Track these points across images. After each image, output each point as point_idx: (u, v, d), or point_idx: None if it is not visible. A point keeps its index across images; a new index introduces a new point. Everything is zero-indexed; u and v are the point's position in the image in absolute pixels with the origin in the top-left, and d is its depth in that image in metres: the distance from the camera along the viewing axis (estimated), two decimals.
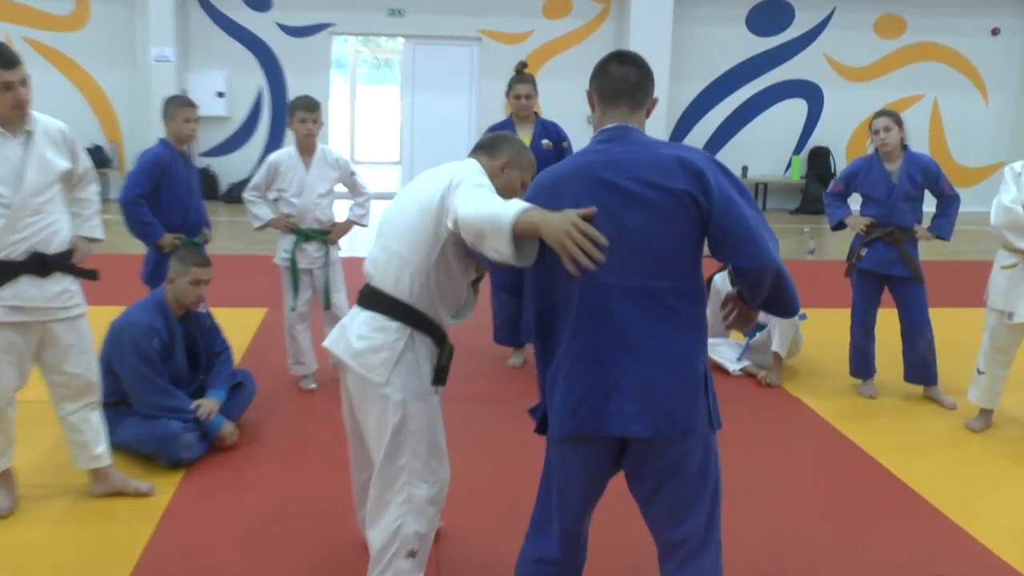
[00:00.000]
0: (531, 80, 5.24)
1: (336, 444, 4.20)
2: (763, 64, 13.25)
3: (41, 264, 3.25)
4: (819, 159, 13.35)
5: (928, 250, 5.58)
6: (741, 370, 5.39)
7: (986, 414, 4.65)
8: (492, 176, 2.67)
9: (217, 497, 3.69)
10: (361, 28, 13.43)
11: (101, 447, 3.56)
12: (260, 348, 5.53)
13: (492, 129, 5.40)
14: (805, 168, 13.40)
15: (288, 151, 4.82)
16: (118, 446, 3.77)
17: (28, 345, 3.33)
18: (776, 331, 5.22)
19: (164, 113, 4.61)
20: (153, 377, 3.90)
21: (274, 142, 12.46)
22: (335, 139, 12.83)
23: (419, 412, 2.66)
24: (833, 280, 6.13)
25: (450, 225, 2.46)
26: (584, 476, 2.35)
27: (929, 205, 4.92)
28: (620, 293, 2.19)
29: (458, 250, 2.60)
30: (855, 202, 5.07)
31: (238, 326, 4.27)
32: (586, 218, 2.13)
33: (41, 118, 3.29)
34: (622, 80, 2.35)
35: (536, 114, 5.37)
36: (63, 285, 3.33)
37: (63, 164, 3.33)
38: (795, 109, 13.38)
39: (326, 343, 2.82)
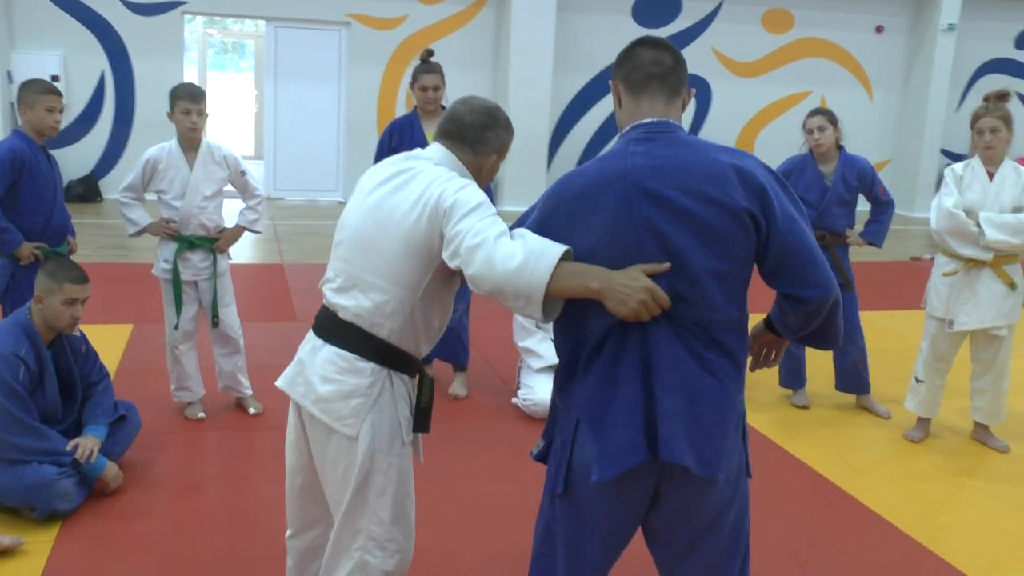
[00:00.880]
0: (439, 70, 5.04)
1: (235, 482, 3.94)
2: None
3: None
4: None
5: None
6: None
7: (924, 423, 4.78)
8: (479, 172, 2.40)
9: (102, 553, 3.34)
10: (216, 8, 12.82)
11: None
12: (131, 372, 5.11)
13: (394, 126, 5.19)
14: None
15: (168, 147, 4.41)
16: None
17: None
18: None
19: (20, 100, 4.16)
20: (20, 415, 3.49)
21: (119, 133, 11.77)
22: None
23: (387, 468, 2.36)
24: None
25: (453, 266, 2.19)
26: (609, 526, 2.16)
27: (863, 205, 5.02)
28: (665, 326, 2.02)
29: (444, 272, 2.32)
30: None
31: (100, 347, 3.88)
32: (655, 274, 1.98)
33: None
34: (654, 63, 2.11)
35: (443, 108, 5.17)
36: None
37: None
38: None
39: (280, 382, 2.48)
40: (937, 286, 4.58)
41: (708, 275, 2.01)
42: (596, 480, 2.07)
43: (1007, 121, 4.47)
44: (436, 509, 3.72)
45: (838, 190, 4.93)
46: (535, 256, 2.02)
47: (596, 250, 2.05)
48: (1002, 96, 4.55)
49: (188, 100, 4.30)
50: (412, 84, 5.08)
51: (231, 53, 25.23)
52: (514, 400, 4.97)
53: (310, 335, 2.44)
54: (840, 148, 5.01)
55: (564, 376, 2.22)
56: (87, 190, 11.47)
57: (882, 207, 5.05)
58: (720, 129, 13.71)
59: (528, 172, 12.30)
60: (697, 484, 2.05)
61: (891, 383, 5.27)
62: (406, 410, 2.40)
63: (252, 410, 4.67)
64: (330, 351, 2.35)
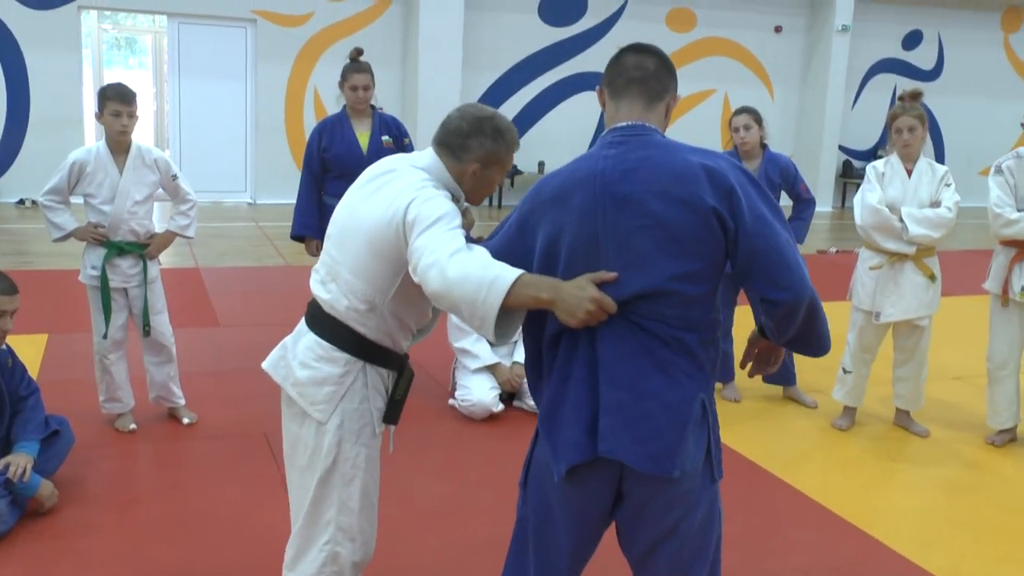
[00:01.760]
0: (368, 69, 4.97)
1: (175, 493, 3.82)
2: (557, 55, 13.58)
3: None
4: None
5: None
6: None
7: (851, 412, 4.94)
8: (460, 180, 2.39)
9: (43, 575, 3.19)
10: (117, 3, 12.41)
11: None
12: (53, 384, 4.87)
13: (323, 126, 5.10)
14: None
15: (96, 149, 4.22)
16: None
17: None
18: None
19: None
20: None
21: (13, 132, 11.30)
22: (79, 131, 11.73)
23: (354, 457, 2.43)
24: None
25: (416, 280, 2.19)
26: (574, 522, 2.17)
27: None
28: (619, 324, 2.03)
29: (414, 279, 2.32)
30: None
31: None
32: (602, 282, 2.01)
33: None
34: (635, 67, 2.13)
35: (373, 107, 5.12)
36: None
37: None
38: (590, 102, 13.76)
39: (265, 364, 2.53)
40: (863, 279, 4.75)
41: (670, 275, 2.00)
42: (556, 479, 2.11)
43: (922, 120, 4.65)
44: (380, 513, 3.67)
45: None
46: (488, 281, 2.03)
47: (570, 250, 2.07)
48: (915, 96, 4.74)
49: (119, 102, 4.11)
50: (341, 83, 5.00)
51: (123, 49, 24.33)
52: (451, 401, 4.94)
53: (301, 321, 2.50)
54: (764, 146, 5.13)
55: (532, 376, 2.28)
56: None
57: (804, 204, 5.20)
58: None
59: None
60: (656, 484, 2.04)
61: (816, 373, 5.43)
62: (380, 402, 2.45)
63: (186, 420, 4.53)
64: (311, 338, 2.43)
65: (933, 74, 15.70)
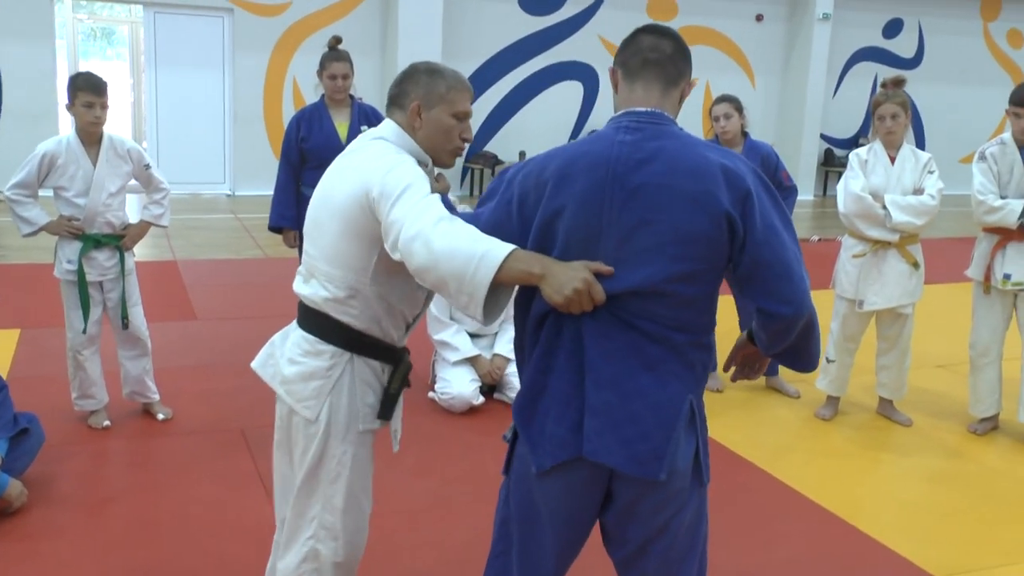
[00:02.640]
0: (347, 58, 4.89)
1: (148, 493, 3.75)
2: (537, 44, 13.49)
3: None
4: None
5: None
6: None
7: (834, 401, 4.92)
8: (413, 131, 2.31)
9: None
10: None
11: None
12: (25, 381, 4.78)
13: (301, 115, 5.02)
14: None
15: (66, 140, 4.10)
16: None
17: None
18: None
19: None
20: None
21: None
22: (53, 123, 11.57)
23: (341, 455, 2.33)
24: None
25: (395, 258, 2.09)
26: (565, 519, 2.09)
27: None
28: (608, 319, 1.96)
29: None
30: None
31: None
32: (599, 274, 1.92)
33: None
34: (652, 48, 2.03)
35: (352, 97, 5.03)
36: None
37: None
38: (571, 92, 13.74)
39: (254, 364, 2.46)
40: (846, 268, 4.71)
41: (668, 275, 1.93)
42: (535, 471, 2.05)
43: (905, 107, 4.62)
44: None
45: None
46: (478, 255, 1.93)
47: (567, 234, 1.98)
48: (898, 82, 4.70)
49: (91, 92, 3.99)
50: (320, 72, 4.92)
51: (100, 39, 24.03)
52: (430, 394, 4.88)
53: (293, 322, 2.43)
54: (745, 135, 5.09)
55: (519, 357, 2.21)
56: None
57: (785, 192, 5.15)
58: (608, 115, 13.74)
59: None
60: (645, 485, 1.99)
61: None
62: (370, 397, 2.35)
63: (160, 416, 4.45)
64: (298, 334, 2.36)
65: (914, 62, 15.71)
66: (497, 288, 1.97)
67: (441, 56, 12.36)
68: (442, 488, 3.93)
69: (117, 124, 16.33)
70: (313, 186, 4.84)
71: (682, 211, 1.91)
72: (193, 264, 7.93)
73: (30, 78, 11.19)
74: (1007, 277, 4.50)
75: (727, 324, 4.70)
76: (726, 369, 2.30)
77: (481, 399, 4.76)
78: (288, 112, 11.62)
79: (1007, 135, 4.53)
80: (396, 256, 2.07)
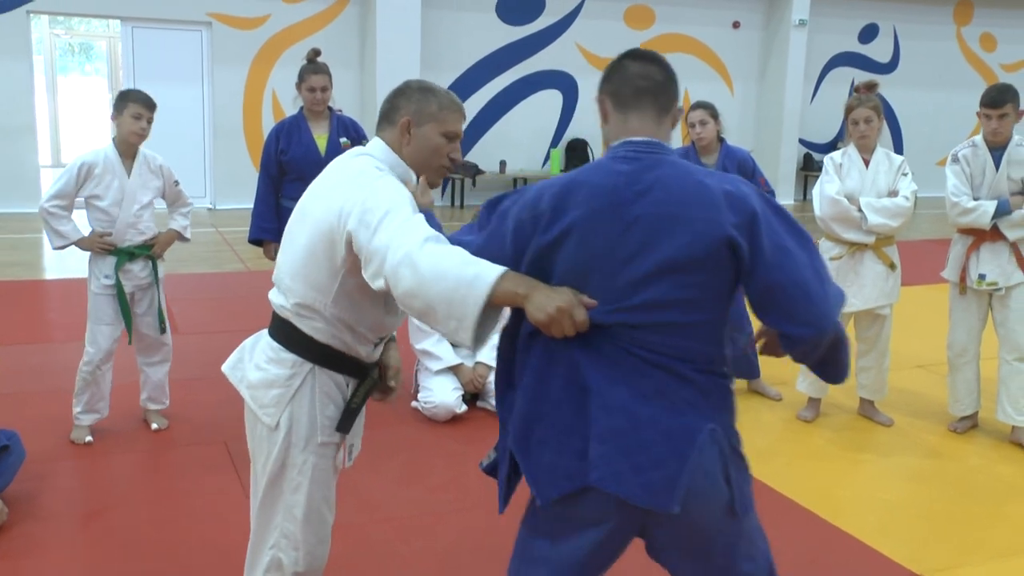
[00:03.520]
0: (326, 70, 4.90)
1: (133, 507, 3.73)
2: (516, 54, 13.53)
3: None
4: (577, 151, 13.84)
5: None
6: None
7: (815, 403, 4.95)
8: (399, 148, 2.30)
9: None
10: (67, 7, 12.19)
11: None
12: (3, 398, 4.77)
13: (280, 128, 5.03)
14: (564, 161, 13.83)
15: (104, 152, 4.24)
16: None
17: None
18: None
19: None
20: None
21: None
22: (32, 139, 11.51)
23: (301, 464, 2.33)
24: None
25: (376, 287, 2.03)
26: (578, 552, 2.00)
27: None
28: (609, 347, 1.91)
29: (360, 280, 2.15)
30: None
31: None
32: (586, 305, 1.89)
33: None
34: (643, 76, 2.01)
35: (331, 109, 5.04)
36: None
37: None
38: (550, 100, 13.78)
39: (224, 367, 2.46)
40: None
41: (661, 300, 1.89)
42: (539, 504, 1.99)
43: (878, 111, 4.67)
44: (346, 519, 3.62)
45: None
46: (468, 279, 1.88)
47: (564, 264, 1.95)
48: (871, 86, 4.76)
49: (142, 105, 4.20)
50: (299, 85, 4.93)
51: (78, 55, 23.95)
52: (413, 404, 4.88)
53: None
54: (721, 140, 5.13)
55: (501, 384, 2.13)
56: None
57: None
58: (588, 124, 13.90)
59: None
60: (665, 519, 1.91)
61: (779, 366, 5.37)
62: (331, 409, 2.34)
63: (155, 426, 4.49)
64: (266, 341, 2.37)
65: (889, 67, 15.84)
66: (486, 313, 1.90)
67: (420, 68, 12.40)
68: (426, 497, 3.93)
69: (96, 139, 16.29)
70: (293, 198, 4.91)
71: (680, 239, 1.88)
72: (175, 278, 7.84)
73: (8, 94, 11.13)
74: (982, 277, 4.56)
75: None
76: (756, 341, 2.22)
77: (464, 407, 4.77)
78: (268, 125, 11.59)
79: (979, 137, 4.59)
80: (378, 284, 2.02)
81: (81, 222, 4.27)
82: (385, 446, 4.41)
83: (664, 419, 1.89)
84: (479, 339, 1.93)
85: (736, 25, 14.57)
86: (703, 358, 1.94)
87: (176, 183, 4.47)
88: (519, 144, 13.46)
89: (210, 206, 12.29)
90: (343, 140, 4.94)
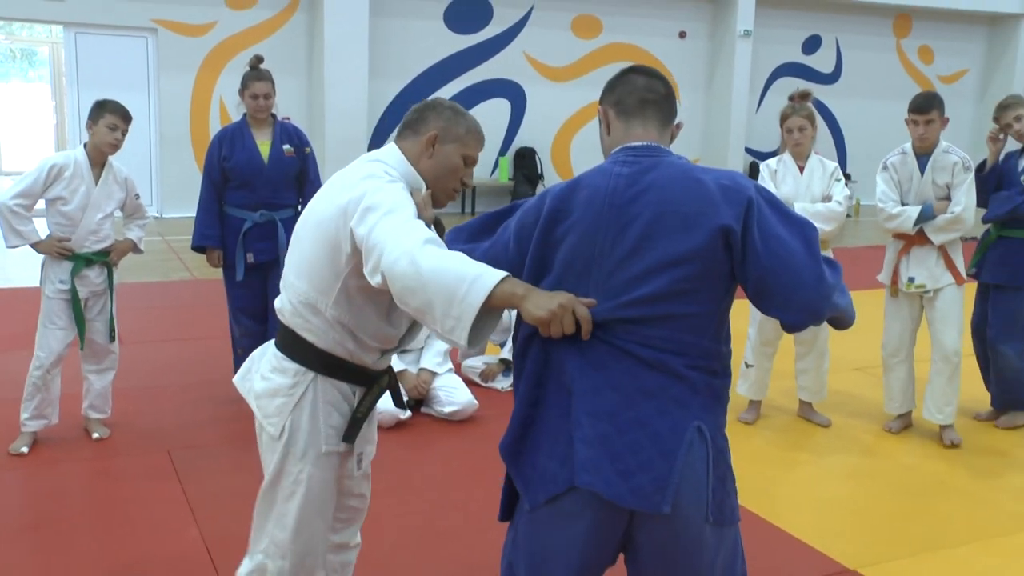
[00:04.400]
0: (269, 77, 4.90)
1: (72, 518, 3.70)
2: (464, 62, 13.60)
3: None
4: (525, 160, 13.93)
5: None
6: (511, 386, 5.42)
7: (756, 405, 5.06)
8: (418, 159, 2.28)
9: None
10: (8, 12, 12.01)
11: None
12: None
13: (224, 134, 5.01)
14: (512, 169, 13.92)
15: (75, 156, 4.28)
16: None
17: None
18: None
19: None
20: None
21: None
22: None
23: (297, 473, 2.29)
24: None
25: (375, 283, 2.02)
26: (572, 558, 1.99)
27: None
28: (603, 347, 1.93)
29: (358, 280, 2.16)
30: None
31: None
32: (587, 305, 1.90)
33: None
34: (647, 88, 2.08)
35: (274, 116, 5.04)
36: None
37: None
38: (498, 109, 13.86)
39: (236, 379, 2.48)
40: None
41: (657, 292, 1.91)
42: (528, 508, 2.01)
43: (811, 119, 4.82)
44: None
45: None
46: (470, 277, 1.87)
47: (563, 264, 1.98)
48: (804, 96, 4.90)
49: (118, 117, 4.26)
50: (241, 91, 4.92)
51: (20, 61, 23.53)
52: None
53: None
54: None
55: (517, 379, 2.12)
56: None
57: None
58: (536, 133, 14.01)
59: None
60: (654, 521, 1.90)
61: None
62: (335, 418, 2.31)
63: (96, 435, 4.46)
64: (272, 351, 2.36)
65: (832, 77, 16.18)
66: (484, 314, 1.89)
67: (368, 76, 12.41)
68: (371, 502, 3.94)
69: (39, 147, 16.02)
70: (236, 205, 4.93)
71: (676, 233, 1.91)
72: (120, 288, 7.77)
73: None
74: (911, 280, 4.70)
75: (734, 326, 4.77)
76: None
77: (408, 413, 4.80)
78: (215, 133, 11.53)
79: (909, 145, 4.73)
80: (376, 280, 2.00)
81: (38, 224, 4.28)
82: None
83: (651, 421, 1.89)
84: (475, 339, 1.91)
85: (682, 35, 14.79)
86: (697, 351, 1.94)
87: (137, 196, 4.53)
88: None
89: (157, 215, 12.16)
90: (286, 147, 4.95)
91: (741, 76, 14.75)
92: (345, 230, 2.12)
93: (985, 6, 16.55)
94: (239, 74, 4.97)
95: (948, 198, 4.61)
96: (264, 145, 4.93)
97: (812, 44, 15.98)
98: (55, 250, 4.23)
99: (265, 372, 2.34)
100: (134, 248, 4.56)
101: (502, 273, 1.89)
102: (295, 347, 2.28)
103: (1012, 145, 5.08)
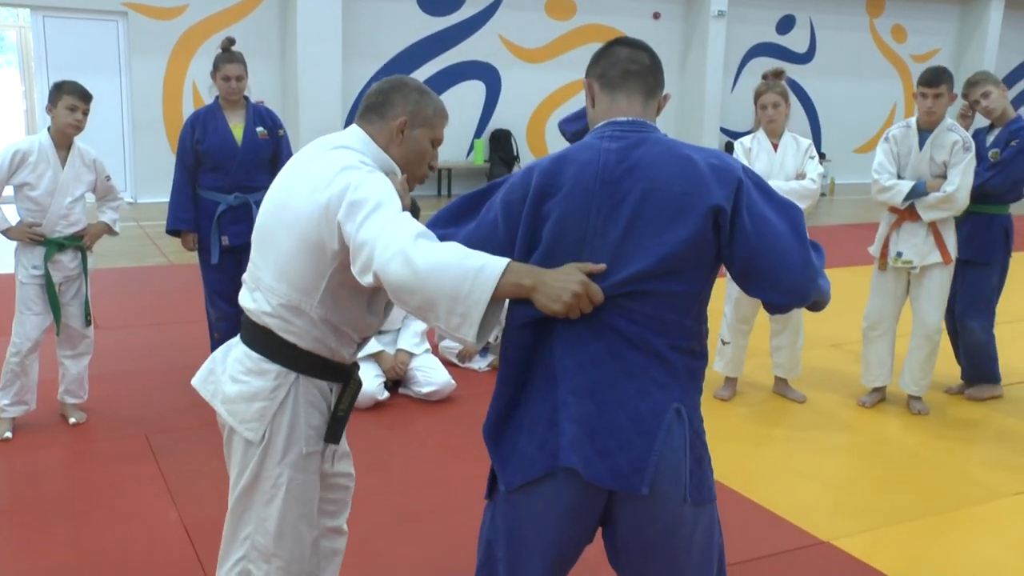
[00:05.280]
0: (241, 59, 4.86)
1: (51, 502, 3.70)
2: (438, 45, 13.54)
3: None
4: (501, 142, 13.91)
5: None
6: (488, 366, 5.45)
7: (732, 382, 5.10)
8: (388, 146, 2.20)
9: None
10: None
11: None
12: None
13: (196, 117, 4.98)
14: (488, 151, 13.89)
15: (38, 141, 4.22)
16: None
17: None
18: None
19: None
20: None
21: None
22: None
23: (276, 477, 2.20)
24: None
25: (365, 283, 1.95)
26: (550, 538, 2.00)
27: None
28: (583, 327, 1.91)
29: (343, 278, 2.09)
30: None
31: None
32: (590, 274, 1.87)
33: None
34: (631, 60, 2.04)
35: (247, 98, 5.01)
36: None
37: None
38: (473, 91, 13.82)
39: (195, 380, 2.34)
40: None
41: (648, 269, 1.90)
42: (503, 490, 2.01)
43: (785, 96, 4.84)
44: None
45: None
46: (472, 271, 1.82)
47: (552, 240, 1.95)
48: (778, 74, 4.93)
49: (77, 97, 4.20)
50: (213, 74, 4.88)
51: None
52: None
53: (237, 335, 2.30)
54: None
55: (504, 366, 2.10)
56: None
57: None
58: (511, 114, 13.98)
59: None
60: (633, 502, 1.91)
61: None
62: (316, 418, 2.24)
63: (73, 420, 4.45)
64: (240, 350, 2.23)
65: (806, 57, 16.24)
66: (489, 307, 1.83)
67: (341, 58, 12.33)
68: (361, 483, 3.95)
69: (9, 132, 15.82)
70: (210, 188, 4.90)
71: (667, 212, 1.90)
72: (95, 273, 7.72)
73: None
74: (899, 255, 4.75)
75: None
76: None
77: (386, 394, 4.81)
78: (188, 116, 11.44)
79: (913, 119, 4.74)
80: (367, 280, 1.94)
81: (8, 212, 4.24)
82: None
83: (632, 402, 1.89)
84: (483, 334, 1.85)
85: (656, 16, 14.78)
86: (678, 331, 1.94)
87: (108, 178, 4.48)
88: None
89: (131, 200, 12.06)
90: (259, 129, 4.92)
91: (715, 56, 14.78)
92: (329, 227, 2.03)
93: None
94: (212, 58, 4.93)
95: (945, 176, 4.62)
96: (237, 128, 4.90)
97: (786, 24, 16.03)
98: (26, 236, 4.20)
99: (237, 374, 2.20)
100: (108, 230, 4.52)
101: (504, 261, 1.85)
102: (275, 348, 2.17)
103: (980, 122, 5.13)
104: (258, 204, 4.86)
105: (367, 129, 2.23)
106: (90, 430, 4.41)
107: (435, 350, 5.31)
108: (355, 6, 12.68)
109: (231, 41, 4.88)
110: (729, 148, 15.58)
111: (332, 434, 2.27)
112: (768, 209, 1.93)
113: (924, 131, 4.68)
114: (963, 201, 4.60)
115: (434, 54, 13.51)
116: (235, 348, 2.26)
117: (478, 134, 13.93)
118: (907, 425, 4.78)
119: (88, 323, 4.45)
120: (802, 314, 5.00)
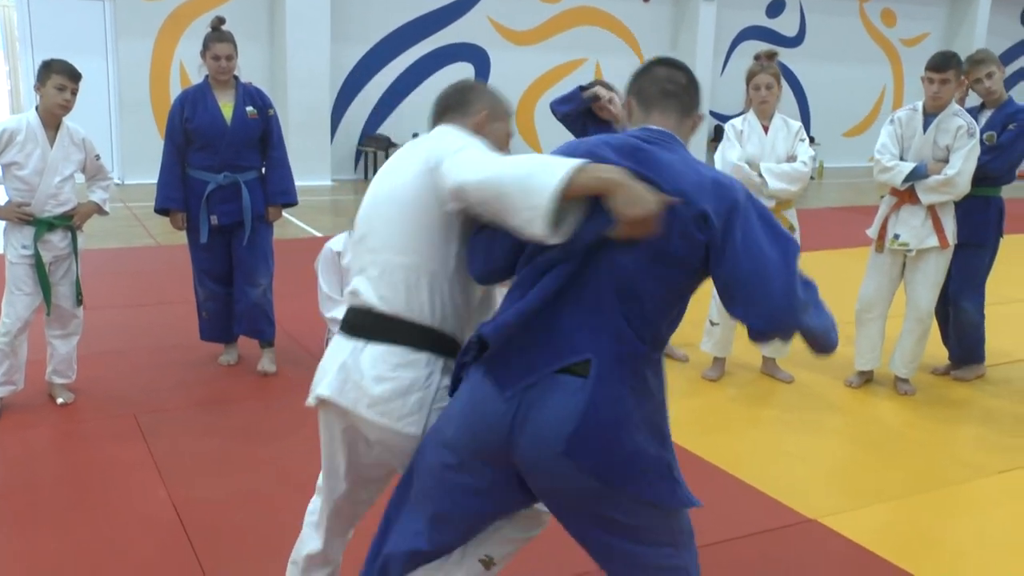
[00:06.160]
0: (231, 39, 4.83)
1: (41, 482, 3.69)
2: (427, 26, 13.49)
3: None
4: None
5: None
6: None
7: (720, 363, 5.12)
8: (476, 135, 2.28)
9: None
10: None
11: None
12: None
13: (185, 96, 4.95)
14: None
15: (27, 120, 4.19)
16: None
17: None
18: None
19: None
20: None
21: None
22: None
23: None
24: None
25: (448, 206, 2.07)
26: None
27: None
28: (590, 299, 1.98)
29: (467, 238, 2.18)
30: None
31: None
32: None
33: None
34: (668, 80, 2.14)
35: (237, 78, 4.98)
36: None
37: None
38: (463, 73, 13.75)
39: (327, 392, 2.22)
40: None
41: (642, 269, 1.96)
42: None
43: (777, 77, 4.84)
44: (259, 488, 3.65)
45: None
46: (547, 163, 1.88)
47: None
48: (771, 55, 4.92)
49: (66, 76, 4.16)
50: (203, 53, 4.85)
51: None
52: None
53: (341, 340, 2.25)
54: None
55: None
56: None
57: None
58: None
59: (311, 143, 12.11)
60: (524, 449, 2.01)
61: (684, 327, 5.50)
62: (446, 402, 2.21)
63: (61, 400, 4.43)
64: (377, 349, 2.17)
65: (796, 40, 16.24)
66: (566, 203, 1.86)
67: (330, 40, 12.27)
68: None
69: None
70: (199, 167, 4.89)
71: (669, 214, 1.91)
72: (84, 254, 7.68)
73: None
74: (896, 237, 4.76)
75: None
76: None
77: None
78: (177, 95, 11.36)
79: (920, 103, 4.75)
80: (452, 205, 2.06)
81: None
82: (295, 414, 4.41)
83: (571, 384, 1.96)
84: (558, 229, 1.87)
85: None
86: (648, 339, 2.02)
87: (97, 157, 4.45)
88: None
89: (119, 181, 12.00)
90: (249, 109, 4.89)
91: (705, 40, 14.76)
92: (439, 178, 2.10)
93: None
94: (200, 38, 4.90)
95: (947, 160, 4.62)
96: (227, 107, 4.88)
97: (776, 7, 16.02)
98: (15, 215, 4.18)
99: (383, 373, 2.14)
100: (98, 210, 4.50)
101: (583, 160, 1.88)
102: (417, 335, 2.16)
103: (971, 102, 5.14)
104: (247, 184, 4.91)
105: (451, 123, 2.32)
106: (78, 410, 4.40)
107: None
108: None
109: (221, 20, 4.85)
110: (719, 131, 15.60)
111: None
112: (763, 235, 1.96)
113: (930, 115, 4.68)
114: (964, 186, 4.60)
115: (423, 36, 13.45)
116: (366, 350, 2.18)
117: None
118: (894, 405, 4.81)
119: (79, 303, 4.43)
120: None
